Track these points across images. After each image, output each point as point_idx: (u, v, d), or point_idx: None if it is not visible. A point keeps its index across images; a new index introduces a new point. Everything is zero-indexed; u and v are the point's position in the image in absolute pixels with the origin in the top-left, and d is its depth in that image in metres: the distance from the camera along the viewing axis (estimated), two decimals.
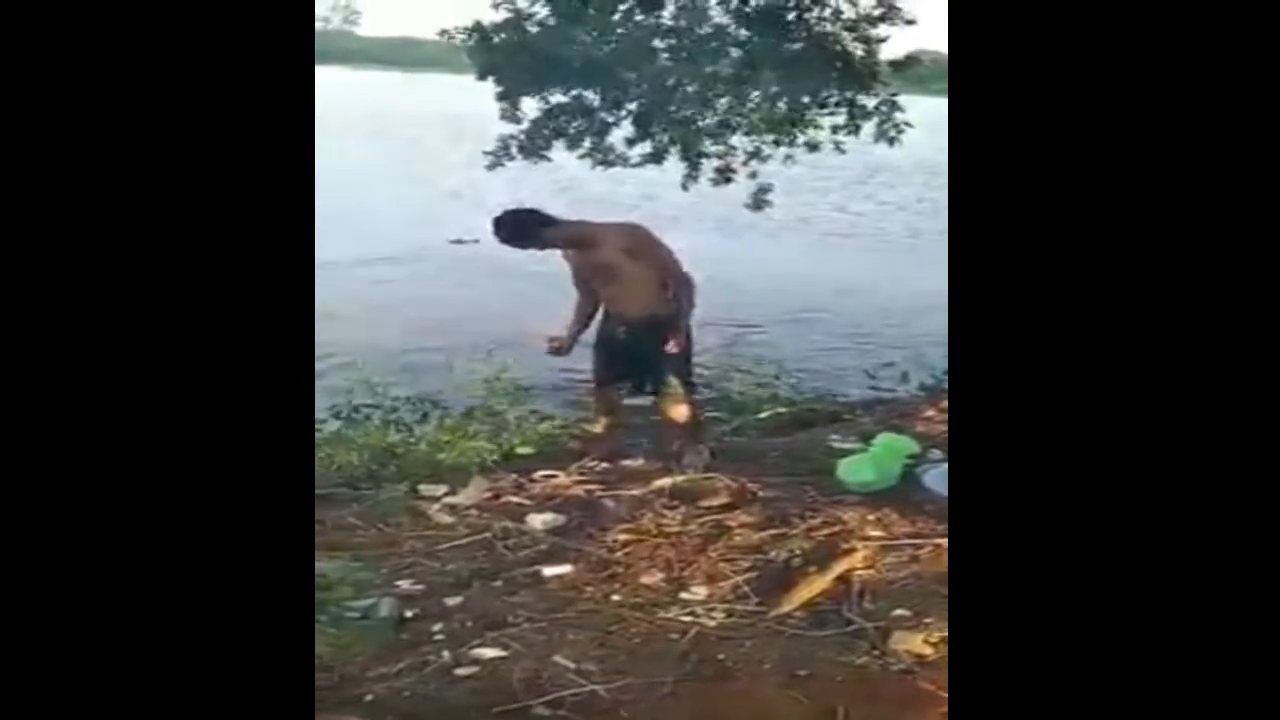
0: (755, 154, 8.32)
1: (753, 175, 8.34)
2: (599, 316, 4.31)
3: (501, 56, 8.07)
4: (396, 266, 12.18)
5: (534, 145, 8.10)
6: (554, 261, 4.26)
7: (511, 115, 8.09)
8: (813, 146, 8.41)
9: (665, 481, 3.84)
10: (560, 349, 4.31)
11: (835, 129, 8.41)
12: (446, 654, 2.60)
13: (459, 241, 13.66)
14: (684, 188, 8.50)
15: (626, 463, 4.14)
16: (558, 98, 8.16)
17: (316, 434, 3.93)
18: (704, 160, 8.27)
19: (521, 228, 4.09)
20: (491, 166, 8.08)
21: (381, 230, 14.11)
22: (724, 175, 8.39)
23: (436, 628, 2.77)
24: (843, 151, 8.37)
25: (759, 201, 8.42)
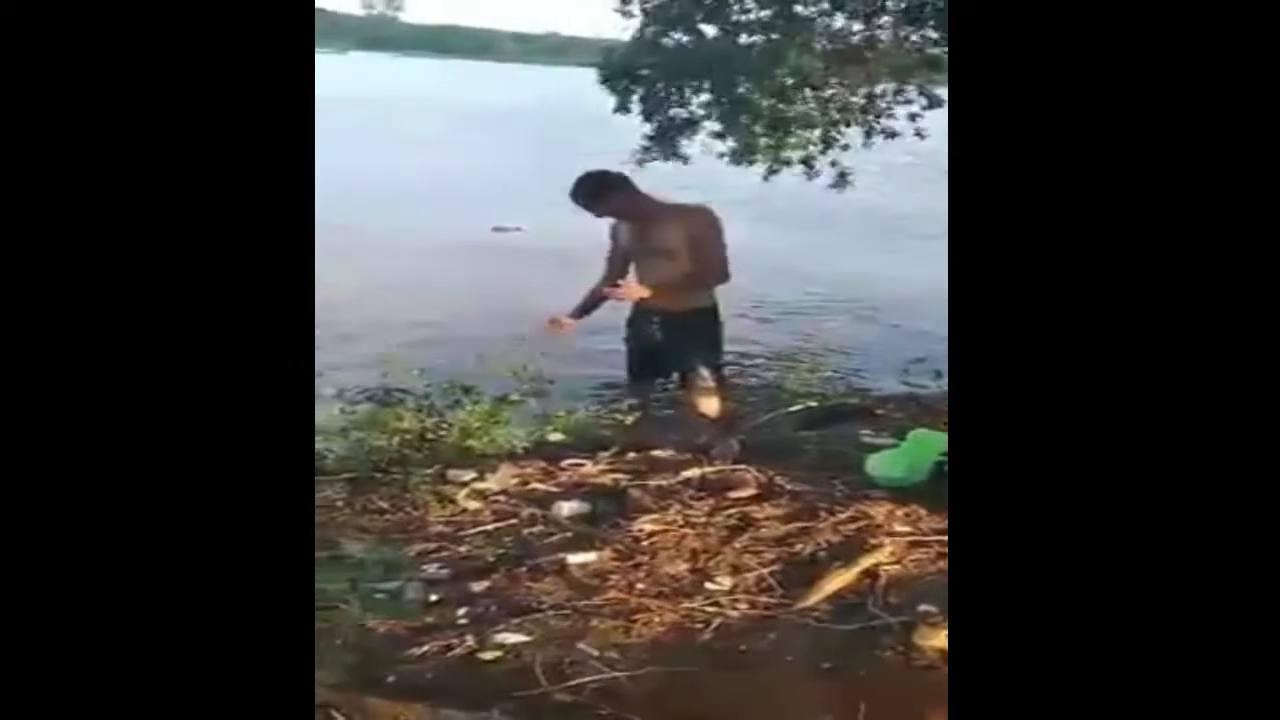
0: (832, 143, 8.42)
1: (832, 164, 8.45)
2: (630, 307, 4.30)
3: (639, 57, 8.32)
4: (439, 253, 12.25)
5: (671, 146, 8.38)
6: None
7: (659, 113, 8.35)
8: (890, 134, 8.50)
9: (694, 472, 3.83)
10: (565, 321, 4.18)
11: (913, 116, 8.48)
12: (470, 638, 2.61)
13: (501, 229, 13.73)
14: (765, 179, 8.64)
15: (656, 453, 4.14)
16: (683, 97, 8.40)
17: (350, 416, 3.97)
18: (790, 154, 8.41)
19: (603, 189, 4.04)
20: (641, 163, 8.32)
21: (424, 216, 14.19)
22: (807, 164, 8.55)
23: (461, 612, 2.79)
24: (923, 137, 8.40)
25: (841, 182, 8.56)
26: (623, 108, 8.57)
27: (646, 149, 8.52)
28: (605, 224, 4.24)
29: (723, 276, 4.07)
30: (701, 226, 4.00)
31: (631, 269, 4.23)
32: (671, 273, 4.03)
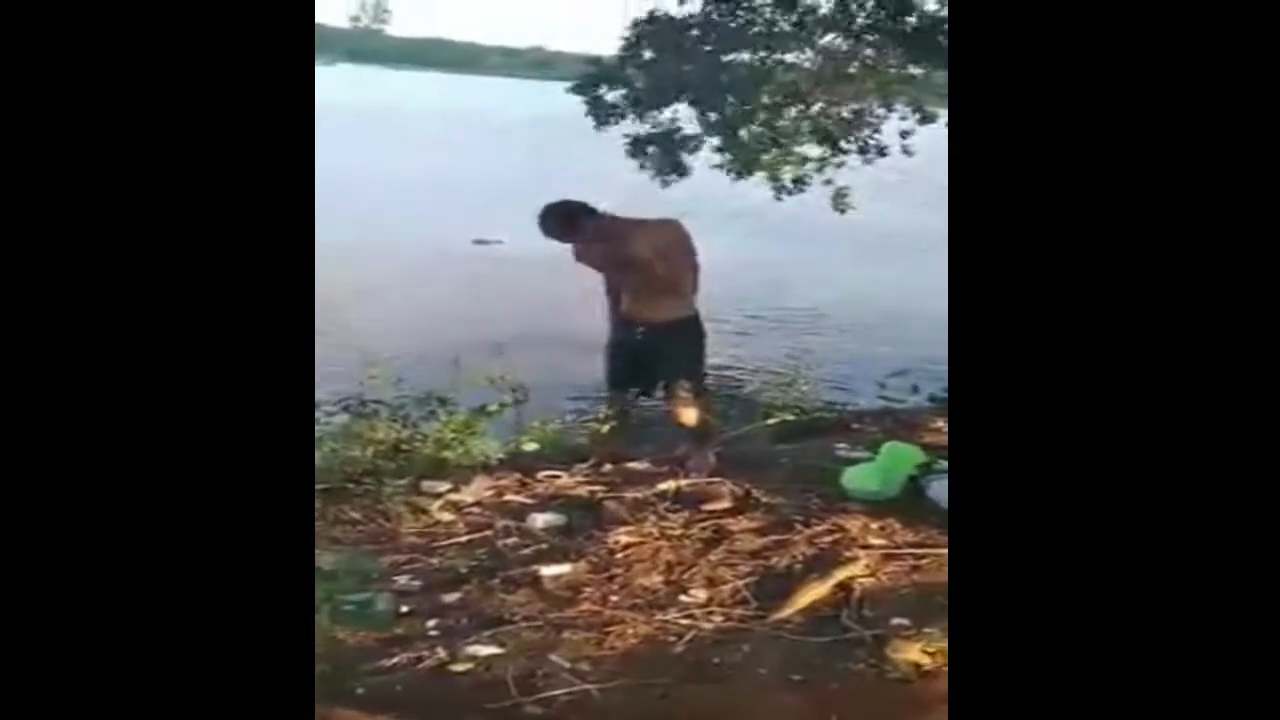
0: (825, 160, 8.49)
1: (828, 182, 8.49)
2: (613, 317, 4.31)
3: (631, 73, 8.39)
4: (417, 264, 12.24)
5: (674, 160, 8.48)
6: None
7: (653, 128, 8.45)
8: (881, 151, 8.55)
9: (669, 484, 3.83)
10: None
11: (905, 134, 8.54)
12: (442, 650, 2.60)
13: (482, 242, 13.74)
14: (778, 198, 8.70)
15: (632, 465, 4.13)
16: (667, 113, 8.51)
17: (325, 427, 3.94)
18: (785, 169, 8.48)
19: (569, 219, 4.04)
20: (666, 184, 8.37)
21: (405, 228, 14.18)
22: (799, 184, 8.61)
23: (432, 623, 2.77)
24: (909, 154, 8.44)
25: (840, 204, 8.61)
26: (603, 123, 8.62)
27: (661, 170, 8.57)
28: None
29: (689, 287, 4.09)
30: (669, 239, 4.02)
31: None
32: (651, 287, 4.05)
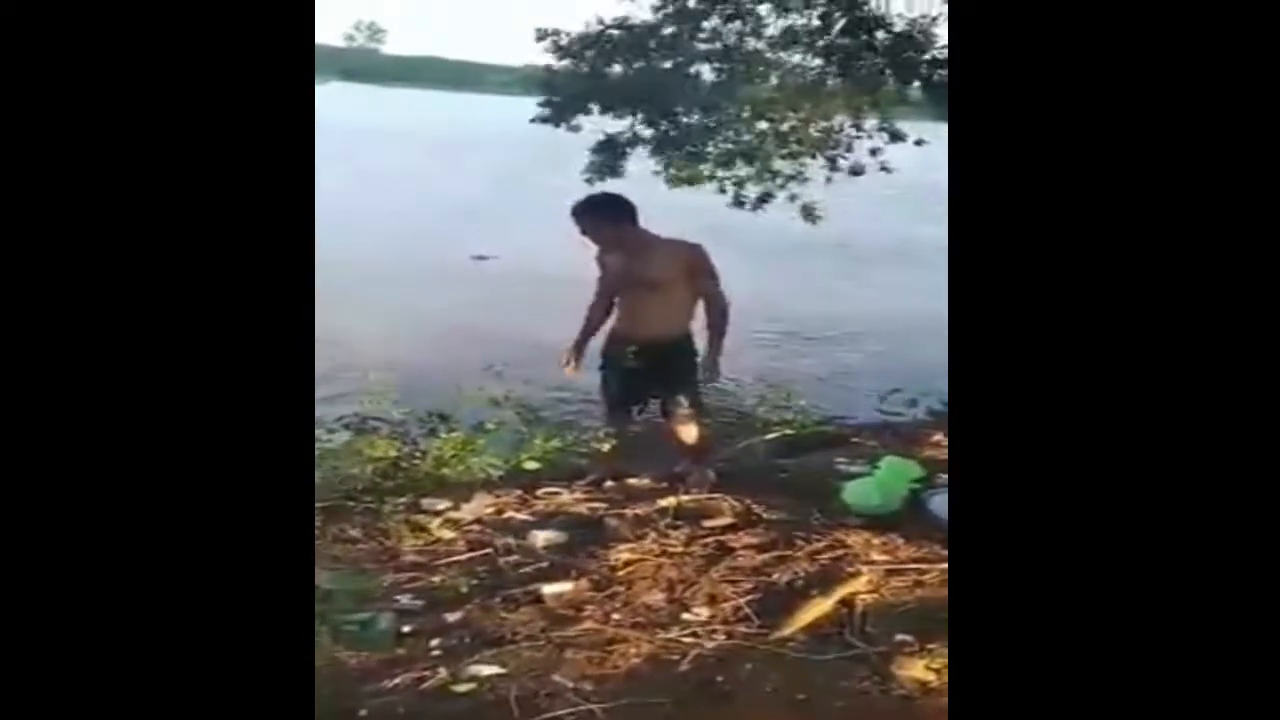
0: (794, 176, 8.44)
1: (792, 198, 8.45)
2: (605, 333, 4.31)
3: (573, 79, 8.34)
4: (415, 281, 12.21)
5: (611, 166, 8.41)
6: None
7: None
8: (856, 171, 8.52)
9: (670, 501, 3.82)
10: (575, 361, 4.29)
11: (874, 151, 8.53)
12: (444, 670, 2.58)
13: (481, 258, 13.72)
14: (739, 204, 8.66)
15: (632, 481, 4.12)
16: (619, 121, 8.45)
17: (325, 445, 3.93)
18: (748, 184, 8.43)
19: (612, 212, 4.06)
20: (591, 181, 8.35)
21: (401, 243, 14.17)
22: (762, 199, 8.56)
23: (434, 643, 2.76)
24: (888, 170, 8.42)
25: (810, 215, 8.56)
26: (555, 123, 8.60)
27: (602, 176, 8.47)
28: (579, 251, 4.25)
29: (691, 311, 4.12)
30: (698, 262, 4.04)
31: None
32: (657, 305, 4.05)
